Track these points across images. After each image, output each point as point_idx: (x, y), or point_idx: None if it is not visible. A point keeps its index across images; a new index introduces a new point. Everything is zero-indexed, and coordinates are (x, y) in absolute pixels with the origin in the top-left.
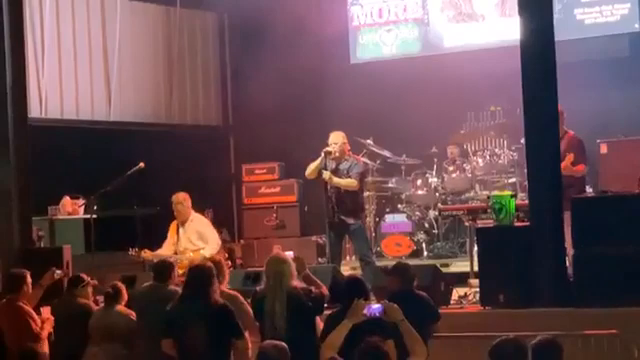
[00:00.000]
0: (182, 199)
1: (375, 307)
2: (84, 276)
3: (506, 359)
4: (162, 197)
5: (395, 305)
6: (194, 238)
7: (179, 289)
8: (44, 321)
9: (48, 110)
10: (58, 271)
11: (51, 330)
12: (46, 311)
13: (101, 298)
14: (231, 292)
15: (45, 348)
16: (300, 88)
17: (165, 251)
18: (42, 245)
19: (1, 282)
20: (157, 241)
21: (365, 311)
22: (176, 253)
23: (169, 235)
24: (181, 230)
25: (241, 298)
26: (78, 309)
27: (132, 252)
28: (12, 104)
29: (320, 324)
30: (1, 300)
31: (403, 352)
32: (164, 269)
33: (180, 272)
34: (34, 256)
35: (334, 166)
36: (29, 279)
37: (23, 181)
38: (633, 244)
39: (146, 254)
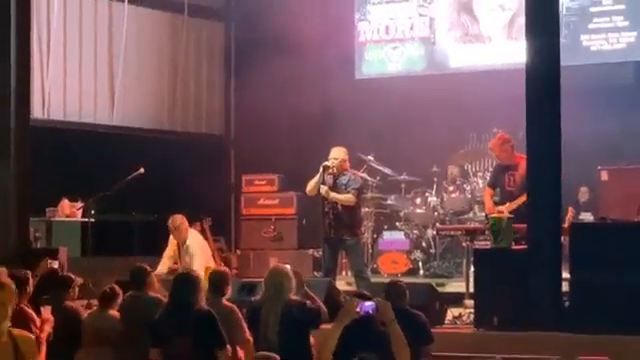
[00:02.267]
0: (178, 224)
1: (368, 304)
2: (72, 276)
3: None
4: (161, 204)
5: (388, 303)
6: (189, 261)
7: (157, 296)
8: (44, 322)
9: (51, 111)
10: (52, 261)
11: (50, 331)
12: (46, 311)
13: (95, 301)
14: (229, 305)
15: (43, 350)
16: (304, 102)
17: (163, 267)
18: (38, 246)
19: None
20: (154, 248)
21: (358, 309)
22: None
23: (169, 248)
24: (181, 247)
25: (238, 312)
26: (66, 313)
27: None
28: (15, 104)
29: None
30: None
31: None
32: (139, 276)
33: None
34: (30, 257)
35: (332, 181)
36: (31, 280)
37: (22, 181)
38: (631, 272)
39: None
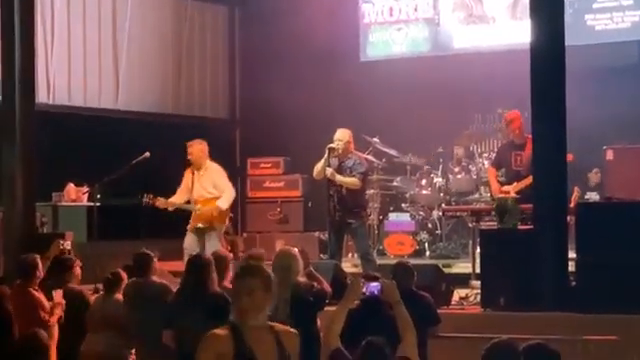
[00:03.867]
0: (194, 147)
1: (373, 285)
2: (71, 257)
3: None
4: (166, 187)
5: (394, 284)
6: (209, 187)
7: (161, 281)
8: (55, 306)
9: (56, 96)
10: (63, 241)
11: (62, 314)
12: (58, 295)
13: (101, 286)
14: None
15: (54, 333)
16: (308, 84)
17: (179, 199)
18: (45, 231)
19: (4, 265)
20: (160, 232)
21: (363, 289)
22: (189, 202)
23: (183, 182)
24: (196, 177)
25: None
26: (71, 295)
27: (146, 199)
28: (20, 88)
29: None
30: (6, 285)
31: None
32: (145, 262)
33: (200, 225)
34: (36, 241)
35: (337, 163)
36: (40, 265)
37: (28, 166)
38: (637, 251)
39: (160, 202)
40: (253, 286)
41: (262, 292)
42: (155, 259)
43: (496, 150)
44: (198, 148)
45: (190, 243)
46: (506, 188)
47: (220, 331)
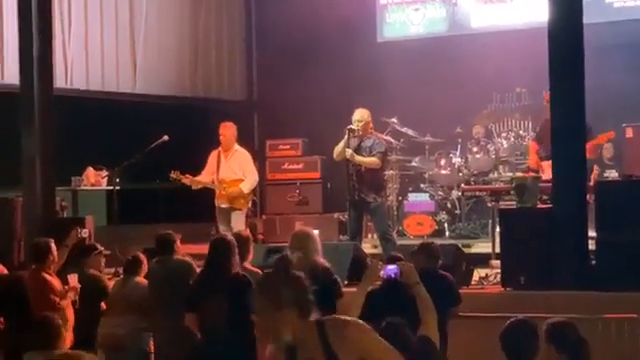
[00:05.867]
0: (227, 129)
1: (391, 268)
2: (95, 245)
3: (517, 340)
4: (185, 171)
5: (412, 265)
6: (236, 168)
7: (185, 259)
8: (69, 290)
9: (74, 80)
10: (82, 229)
11: (76, 298)
12: (73, 279)
13: (121, 269)
14: (253, 269)
15: (68, 316)
16: (326, 65)
17: (204, 178)
18: (65, 215)
19: (25, 250)
20: (179, 215)
21: (381, 272)
22: (213, 182)
23: (209, 163)
24: (222, 159)
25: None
26: (86, 280)
27: (173, 175)
28: (38, 74)
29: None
30: (26, 269)
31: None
32: (168, 242)
33: (223, 205)
34: (57, 226)
35: (357, 144)
36: (54, 248)
37: (47, 151)
38: None
39: (187, 179)
40: None
41: None
42: (178, 239)
43: (514, 129)
44: (230, 130)
45: (223, 229)
46: (545, 164)
47: None
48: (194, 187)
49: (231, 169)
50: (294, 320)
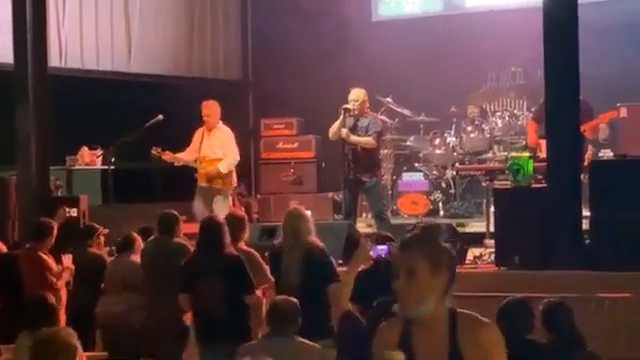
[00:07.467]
0: (210, 109)
1: (381, 248)
2: (96, 225)
3: (513, 319)
4: (180, 150)
5: None
6: (216, 147)
7: (183, 242)
8: (63, 270)
9: (68, 60)
10: (69, 209)
11: (69, 279)
12: (67, 259)
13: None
14: (247, 249)
15: (62, 296)
16: (321, 45)
17: (186, 156)
18: (59, 194)
19: (19, 229)
20: (174, 194)
21: (372, 253)
22: (196, 160)
23: (193, 141)
24: (206, 137)
25: (257, 255)
26: (91, 260)
27: (155, 151)
28: (32, 53)
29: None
30: (20, 248)
31: None
32: (169, 222)
33: (203, 184)
34: (51, 205)
35: (352, 123)
36: (55, 230)
37: (42, 130)
38: None
39: (167, 156)
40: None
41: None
42: (181, 222)
43: (509, 109)
44: (214, 109)
45: (198, 207)
46: (542, 142)
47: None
48: (176, 164)
49: (211, 148)
50: (441, 292)
